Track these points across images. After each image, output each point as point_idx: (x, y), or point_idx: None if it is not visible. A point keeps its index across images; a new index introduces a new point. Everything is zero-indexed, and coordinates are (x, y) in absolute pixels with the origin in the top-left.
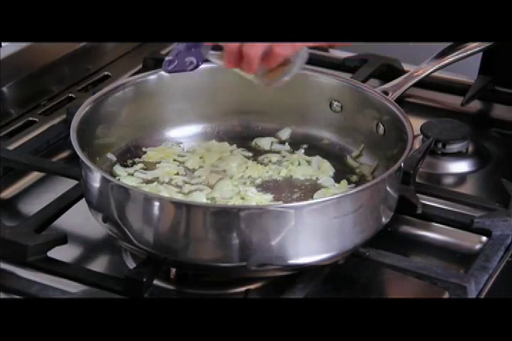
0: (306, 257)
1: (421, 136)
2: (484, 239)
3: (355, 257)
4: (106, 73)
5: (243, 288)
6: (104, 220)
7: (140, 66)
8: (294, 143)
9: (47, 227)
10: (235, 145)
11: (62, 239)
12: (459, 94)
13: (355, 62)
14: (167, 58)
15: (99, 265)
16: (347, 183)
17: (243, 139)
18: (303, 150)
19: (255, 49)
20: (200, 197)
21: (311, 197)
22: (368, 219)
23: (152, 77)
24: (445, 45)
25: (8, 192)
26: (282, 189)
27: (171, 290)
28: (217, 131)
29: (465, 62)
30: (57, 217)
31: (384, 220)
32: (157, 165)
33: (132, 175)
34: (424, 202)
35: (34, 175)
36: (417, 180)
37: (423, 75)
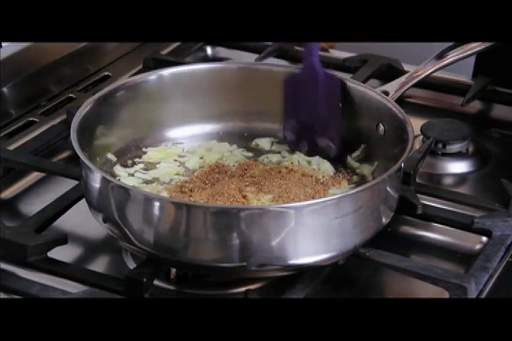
0: (306, 257)
1: (421, 136)
2: (484, 239)
3: (355, 257)
4: (106, 73)
5: (243, 288)
6: (105, 220)
7: (140, 66)
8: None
9: (47, 227)
10: (235, 146)
11: (63, 239)
12: (459, 94)
13: (355, 63)
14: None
15: (99, 265)
16: (347, 183)
17: (243, 139)
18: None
19: None
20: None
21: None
22: (368, 220)
23: (152, 77)
24: (445, 45)
25: (8, 193)
26: None
27: (171, 291)
28: (217, 131)
29: (465, 62)
30: (57, 217)
31: (384, 220)
32: (157, 165)
33: (132, 175)
34: (424, 202)
35: (34, 176)
36: (418, 180)
37: (423, 75)
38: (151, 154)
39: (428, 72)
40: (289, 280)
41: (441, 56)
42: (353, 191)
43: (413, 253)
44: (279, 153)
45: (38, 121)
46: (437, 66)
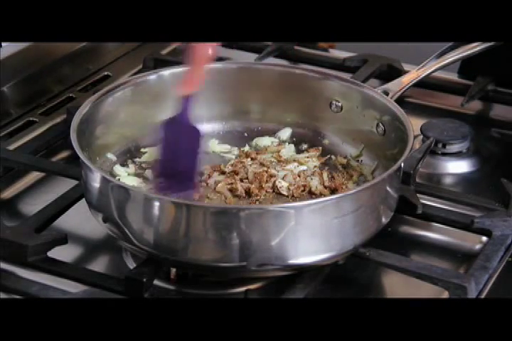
0: (306, 257)
1: (421, 136)
2: (484, 239)
3: (355, 257)
4: (106, 73)
5: (243, 288)
6: (104, 220)
7: (140, 66)
8: (294, 143)
9: (47, 227)
10: (235, 146)
11: (63, 239)
12: (459, 94)
13: (355, 62)
14: None
15: (99, 265)
16: None
17: (243, 139)
18: None
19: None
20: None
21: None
22: (368, 219)
23: (152, 77)
24: (445, 45)
25: (8, 192)
26: None
27: (171, 290)
28: (217, 131)
29: None
30: (57, 217)
31: (384, 220)
32: None
33: (132, 175)
34: (424, 202)
35: (34, 175)
36: (417, 180)
37: (423, 75)
38: (151, 154)
39: (428, 72)
40: (288, 280)
41: (441, 56)
42: (352, 191)
43: (413, 253)
44: (279, 152)
45: (37, 120)
46: (437, 66)
